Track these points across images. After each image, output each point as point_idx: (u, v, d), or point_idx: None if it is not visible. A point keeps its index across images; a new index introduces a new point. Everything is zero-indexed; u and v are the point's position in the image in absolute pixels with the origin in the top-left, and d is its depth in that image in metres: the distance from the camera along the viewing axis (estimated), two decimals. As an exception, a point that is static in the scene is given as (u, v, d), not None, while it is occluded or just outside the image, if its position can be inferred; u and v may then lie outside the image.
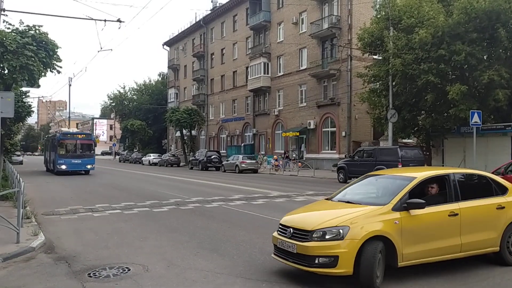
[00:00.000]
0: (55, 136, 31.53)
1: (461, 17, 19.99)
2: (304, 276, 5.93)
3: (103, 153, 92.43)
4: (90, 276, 6.14)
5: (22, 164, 48.09)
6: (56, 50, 14.77)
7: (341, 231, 5.41)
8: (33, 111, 31.50)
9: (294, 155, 36.73)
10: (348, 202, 6.30)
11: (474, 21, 19.98)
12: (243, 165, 33.38)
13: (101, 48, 20.81)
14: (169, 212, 12.24)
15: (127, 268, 6.46)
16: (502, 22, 19.70)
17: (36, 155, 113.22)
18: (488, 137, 21.42)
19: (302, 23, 37.92)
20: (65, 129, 36.98)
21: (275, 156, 35.67)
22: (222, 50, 50.95)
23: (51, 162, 32.20)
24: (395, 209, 5.67)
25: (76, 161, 29.21)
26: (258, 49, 42.73)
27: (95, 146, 32.27)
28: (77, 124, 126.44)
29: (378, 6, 26.16)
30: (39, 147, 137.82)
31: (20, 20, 14.89)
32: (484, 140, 21.15)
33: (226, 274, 6.17)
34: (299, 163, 32.61)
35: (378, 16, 25.42)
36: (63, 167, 28.79)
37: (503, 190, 6.74)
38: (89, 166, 29.91)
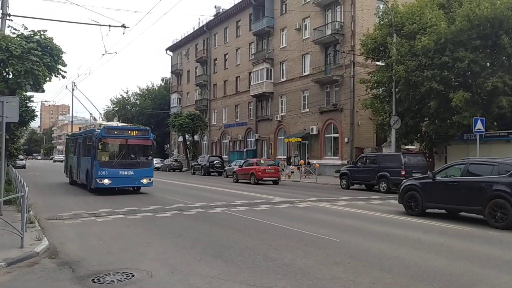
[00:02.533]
0: (92, 133, 20.11)
1: (464, 24, 20.05)
2: (311, 283, 5.92)
3: None
4: (94, 282, 6.13)
5: (24, 168, 48.15)
6: (60, 55, 14.80)
7: None
8: (36, 116, 31.20)
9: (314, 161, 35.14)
10: None
11: (477, 28, 20.04)
12: (246, 171, 33.39)
13: (106, 52, 20.28)
14: (172, 217, 12.24)
15: (131, 274, 6.45)
16: (505, 29, 19.77)
17: (39, 159, 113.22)
18: (492, 144, 21.38)
19: (305, 29, 38.03)
20: (106, 123, 24.00)
21: (301, 162, 33.94)
22: (225, 55, 51.10)
23: (82, 172, 21.40)
24: None
25: (126, 173, 18.80)
26: (261, 55, 42.84)
27: (154, 149, 21.48)
28: (79, 128, 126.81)
29: (380, 13, 26.28)
30: (42, 151, 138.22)
31: (23, 24, 14.95)
32: (488, 147, 21.10)
33: (230, 281, 6.15)
34: (308, 174, 31.80)
35: (381, 22, 25.52)
36: (106, 181, 18.25)
37: None
38: (145, 181, 19.21)
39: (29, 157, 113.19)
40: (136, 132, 19.94)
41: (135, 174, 19.00)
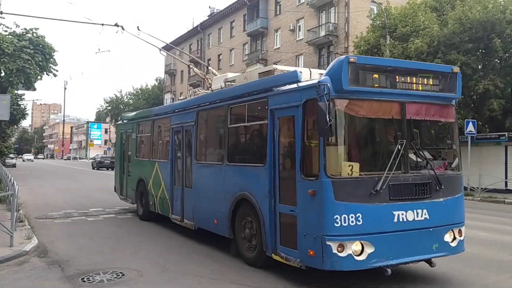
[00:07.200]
0: (273, 87, 6.35)
1: (456, 27, 20.19)
2: (299, 282, 5.93)
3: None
4: (84, 281, 6.10)
5: (15, 167, 47.64)
6: (52, 53, 14.72)
7: None
8: (27, 114, 31.03)
9: None
10: None
11: (469, 31, 20.18)
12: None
13: (99, 50, 19.81)
14: (164, 217, 12.18)
15: (121, 273, 6.43)
16: (497, 32, 19.90)
17: (31, 160, 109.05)
18: (482, 146, 21.52)
19: (299, 30, 38.09)
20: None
21: None
22: (219, 56, 51.05)
23: (202, 202, 8.37)
24: None
25: (411, 217, 5.61)
26: (254, 56, 42.85)
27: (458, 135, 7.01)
28: (71, 127, 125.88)
29: (373, 16, 26.39)
30: (33, 150, 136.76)
31: (15, 22, 14.89)
32: (478, 150, 21.25)
33: (220, 280, 6.16)
34: None
35: (374, 24, 25.63)
36: (357, 250, 5.28)
37: None
38: (450, 238, 6.06)
39: (19, 156, 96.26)
40: (429, 79, 6.16)
41: (432, 218, 5.90)
